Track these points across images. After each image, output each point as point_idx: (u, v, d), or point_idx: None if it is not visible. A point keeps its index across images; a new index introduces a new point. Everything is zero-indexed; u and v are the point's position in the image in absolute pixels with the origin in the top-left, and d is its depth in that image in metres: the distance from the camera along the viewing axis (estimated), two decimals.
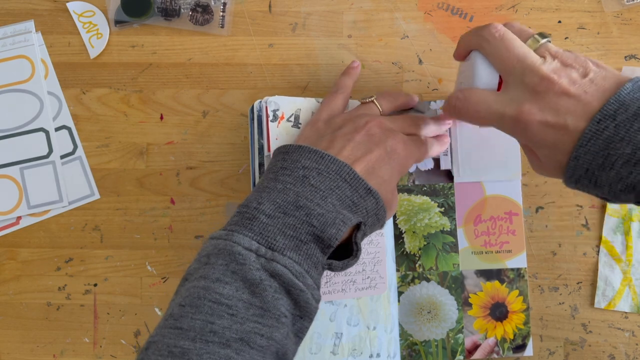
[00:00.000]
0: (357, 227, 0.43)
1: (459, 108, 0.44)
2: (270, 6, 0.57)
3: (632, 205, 0.53)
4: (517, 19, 0.56)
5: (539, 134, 0.40)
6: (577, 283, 0.55)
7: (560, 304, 0.55)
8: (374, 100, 0.50)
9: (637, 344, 0.55)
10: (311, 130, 0.47)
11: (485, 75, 0.43)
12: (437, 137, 0.52)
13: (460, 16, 0.57)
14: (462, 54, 0.46)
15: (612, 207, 0.54)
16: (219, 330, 0.36)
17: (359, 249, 0.42)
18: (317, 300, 0.41)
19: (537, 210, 0.55)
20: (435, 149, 0.51)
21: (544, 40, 0.42)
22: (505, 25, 0.43)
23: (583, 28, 0.56)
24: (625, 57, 0.56)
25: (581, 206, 0.55)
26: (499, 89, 0.43)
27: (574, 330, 0.55)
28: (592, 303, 0.55)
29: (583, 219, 0.55)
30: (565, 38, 0.56)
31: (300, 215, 0.40)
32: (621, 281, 0.54)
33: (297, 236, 0.40)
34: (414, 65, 0.56)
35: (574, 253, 0.55)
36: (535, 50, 0.42)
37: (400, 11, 0.57)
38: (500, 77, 0.43)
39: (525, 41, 0.42)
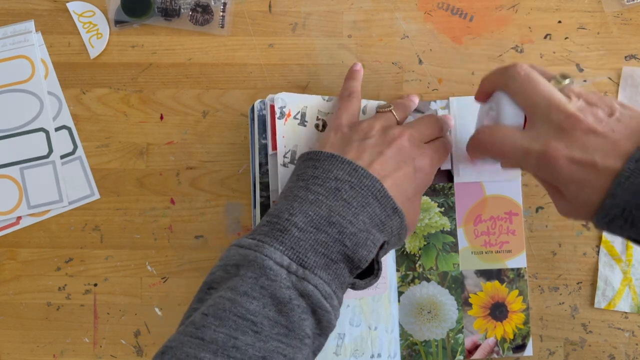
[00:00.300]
0: (381, 246, 0.42)
1: (484, 142, 0.44)
2: (270, 6, 0.57)
3: None
4: (517, 19, 0.56)
5: (566, 170, 0.39)
6: (577, 283, 0.55)
7: (560, 304, 0.55)
8: (392, 111, 0.49)
9: (637, 344, 0.55)
10: (336, 136, 0.46)
11: (511, 114, 0.43)
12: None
13: (460, 16, 0.57)
14: (485, 95, 0.46)
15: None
16: (242, 346, 0.36)
17: (380, 268, 0.42)
18: (337, 318, 0.40)
19: (537, 210, 0.55)
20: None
21: (567, 82, 0.42)
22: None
23: (583, 28, 0.56)
24: (626, 57, 0.56)
25: None
26: (524, 128, 0.43)
27: (574, 330, 0.55)
28: (592, 303, 0.55)
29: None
30: (565, 38, 0.56)
31: (333, 233, 0.39)
32: (621, 281, 0.54)
33: (329, 254, 0.39)
34: (414, 65, 0.56)
35: (574, 253, 0.55)
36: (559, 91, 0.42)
37: (400, 11, 0.57)
38: (525, 116, 0.43)
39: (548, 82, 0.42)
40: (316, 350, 0.40)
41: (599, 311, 0.55)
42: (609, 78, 0.56)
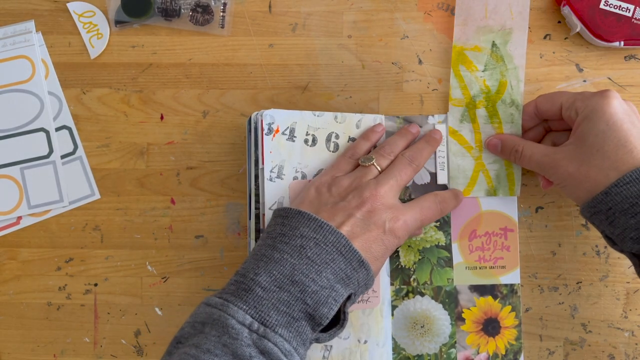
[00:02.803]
0: (348, 297, 0.44)
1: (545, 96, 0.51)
2: (270, 6, 0.57)
3: (476, 92, 0.54)
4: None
5: (618, 112, 0.45)
6: (577, 283, 0.55)
7: (560, 303, 0.55)
8: (374, 164, 0.50)
9: (636, 344, 0.55)
10: (314, 195, 0.48)
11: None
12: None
13: None
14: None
15: (455, 97, 0.55)
16: None
17: (345, 319, 0.44)
18: None
19: (537, 210, 0.55)
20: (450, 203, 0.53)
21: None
22: None
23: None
24: (625, 57, 0.56)
25: None
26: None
27: (574, 330, 0.55)
28: (593, 303, 0.55)
29: (583, 219, 0.55)
30: (565, 38, 0.56)
31: (295, 292, 0.41)
32: (474, 168, 0.54)
33: (290, 313, 0.41)
34: (414, 65, 0.56)
35: (573, 253, 0.55)
36: None
37: (400, 11, 0.57)
38: None
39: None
40: None
41: (599, 311, 0.55)
42: (609, 78, 0.56)
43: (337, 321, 0.44)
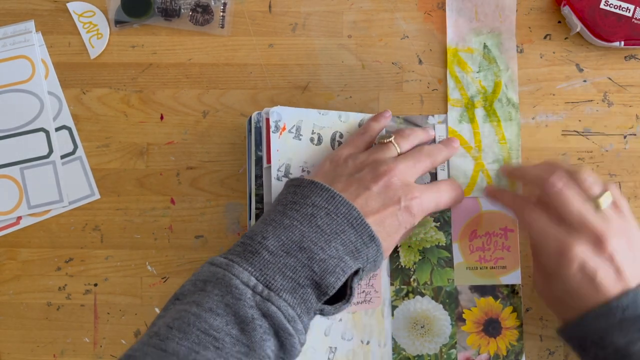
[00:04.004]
0: (355, 272, 0.43)
1: (519, 215, 0.49)
2: (270, 6, 0.57)
3: (473, 93, 0.55)
4: (517, 18, 0.56)
5: (572, 271, 0.44)
6: None
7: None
8: (392, 141, 0.48)
9: None
10: (330, 166, 0.47)
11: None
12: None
13: None
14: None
15: (453, 98, 0.55)
16: None
17: (352, 295, 0.43)
18: (302, 344, 0.41)
19: None
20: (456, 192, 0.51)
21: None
22: (573, 174, 0.47)
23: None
24: (625, 57, 0.56)
25: None
26: None
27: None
28: None
29: None
30: (565, 38, 0.56)
31: (302, 258, 0.40)
32: (474, 168, 0.54)
33: (296, 279, 0.40)
34: (414, 65, 0.56)
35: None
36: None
37: (400, 11, 0.57)
38: None
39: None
40: None
41: None
42: (609, 78, 0.56)
43: (343, 297, 0.43)
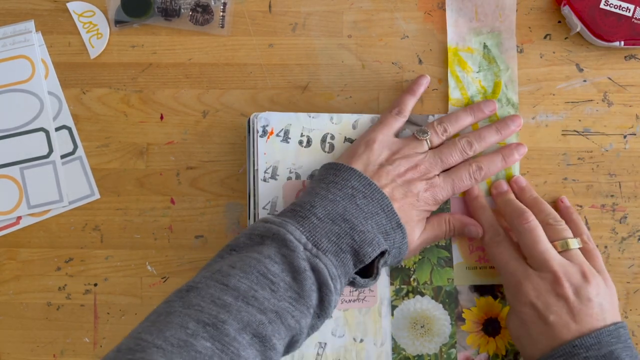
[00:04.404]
0: (382, 254, 0.47)
1: (490, 238, 0.52)
2: (270, 6, 0.57)
3: (473, 92, 0.55)
4: (517, 19, 0.56)
5: (526, 309, 0.48)
6: None
7: None
8: (427, 140, 0.51)
9: (637, 344, 0.55)
10: (364, 152, 0.50)
11: None
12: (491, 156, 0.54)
13: None
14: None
15: (454, 97, 0.55)
16: (259, 297, 0.40)
17: (378, 274, 0.47)
18: (335, 306, 0.45)
19: None
20: (490, 171, 0.53)
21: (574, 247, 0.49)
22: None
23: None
24: (625, 57, 0.56)
25: (581, 206, 0.55)
26: None
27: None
28: None
29: (583, 218, 0.55)
30: (565, 38, 0.56)
31: (345, 227, 0.45)
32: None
33: (339, 244, 0.44)
34: (414, 65, 0.56)
35: None
36: (560, 252, 0.49)
37: (400, 11, 0.57)
38: None
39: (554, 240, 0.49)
40: (311, 329, 0.44)
41: None
42: (609, 78, 0.56)
43: (370, 276, 0.47)
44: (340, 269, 0.44)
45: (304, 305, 0.42)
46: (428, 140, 0.51)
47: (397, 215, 0.47)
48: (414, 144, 0.51)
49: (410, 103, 0.53)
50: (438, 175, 0.51)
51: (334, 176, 0.48)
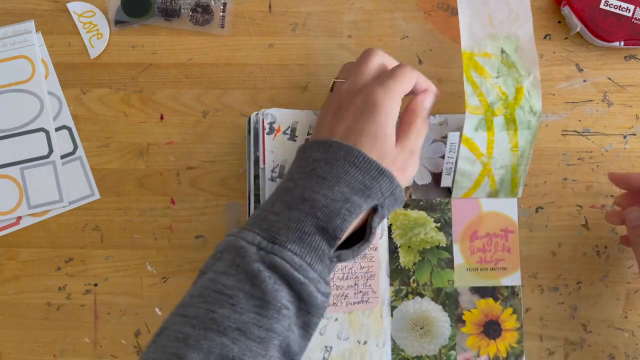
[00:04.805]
0: (375, 210, 0.43)
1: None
2: (270, 6, 0.57)
3: (493, 99, 0.51)
4: None
5: None
6: (577, 283, 0.55)
7: (560, 304, 0.55)
8: (341, 79, 0.47)
9: (637, 344, 0.55)
10: (323, 114, 0.47)
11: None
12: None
13: None
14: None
15: (472, 104, 0.51)
16: (218, 318, 0.38)
17: (371, 233, 0.42)
18: (325, 294, 0.41)
19: (537, 210, 0.55)
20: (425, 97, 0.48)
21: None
22: None
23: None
24: (625, 57, 0.56)
25: (581, 206, 0.55)
26: None
27: (574, 330, 0.55)
28: (593, 303, 0.55)
29: (583, 219, 0.55)
30: (565, 38, 0.56)
31: (305, 208, 0.41)
32: (480, 172, 0.53)
33: (301, 228, 0.40)
34: (414, 65, 0.56)
35: (574, 253, 0.55)
36: None
37: (400, 11, 0.57)
38: None
39: None
40: (304, 326, 0.41)
41: (599, 311, 0.55)
42: (609, 78, 0.56)
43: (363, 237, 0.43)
44: (309, 255, 0.40)
45: (272, 309, 0.39)
46: (341, 78, 0.47)
47: (372, 162, 0.42)
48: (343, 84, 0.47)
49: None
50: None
51: (299, 160, 0.45)
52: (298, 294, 0.40)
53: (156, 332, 0.40)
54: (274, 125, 0.51)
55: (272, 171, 0.51)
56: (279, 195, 0.43)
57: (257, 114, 0.51)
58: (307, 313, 0.41)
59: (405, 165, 0.45)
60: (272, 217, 0.41)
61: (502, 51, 0.52)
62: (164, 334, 0.39)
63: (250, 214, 0.52)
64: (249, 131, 0.52)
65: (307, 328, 0.41)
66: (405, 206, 0.54)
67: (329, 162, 0.42)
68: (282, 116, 0.51)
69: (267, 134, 0.51)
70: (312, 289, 0.40)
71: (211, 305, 0.39)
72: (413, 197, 0.54)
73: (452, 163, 0.53)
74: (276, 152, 0.51)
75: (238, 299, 0.39)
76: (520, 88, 0.52)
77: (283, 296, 0.39)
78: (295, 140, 0.51)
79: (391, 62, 0.48)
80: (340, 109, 0.45)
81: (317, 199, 0.41)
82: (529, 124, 0.52)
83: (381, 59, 0.47)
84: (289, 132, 0.51)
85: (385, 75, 0.45)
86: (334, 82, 0.49)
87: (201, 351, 0.37)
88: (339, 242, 0.41)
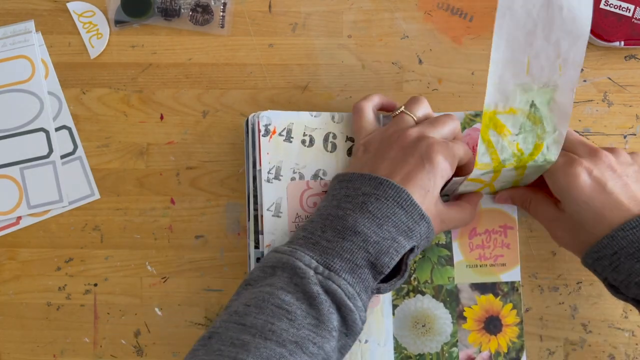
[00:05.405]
0: (411, 250, 0.45)
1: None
2: (270, 6, 0.57)
3: (507, 156, 0.46)
4: None
5: (585, 190, 0.45)
6: (577, 283, 0.55)
7: (560, 304, 0.55)
8: (404, 110, 0.49)
9: (637, 344, 0.55)
10: (354, 161, 0.49)
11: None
12: None
13: (460, 16, 0.57)
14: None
15: (482, 162, 0.46)
16: (277, 330, 0.40)
17: (407, 270, 0.45)
18: (363, 322, 0.44)
19: None
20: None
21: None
22: None
23: None
24: (625, 57, 0.56)
25: None
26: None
27: (574, 330, 0.55)
28: (593, 303, 0.55)
29: None
30: None
31: (358, 241, 0.43)
32: (479, 188, 0.52)
33: (353, 260, 0.43)
34: (414, 65, 0.56)
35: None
36: None
37: (400, 11, 0.57)
38: None
39: None
40: (342, 349, 0.44)
41: (598, 311, 0.55)
42: (609, 78, 0.56)
43: (398, 273, 0.46)
44: (358, 285, 0.43)
45: (325, 329, 0.42)
46: (407, 112, 0.49)
47: (417, 206, 0.44)
48: (395, 121, 0.49)
49: (367, 103, 0.51)
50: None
51: (345, 189, 0.46)
52: (345, 319, 0.43)
53: (206, 335, 0.42)
54: (269, 127, 0.51)
55: (269, 172, 0.51)
56: (329, 222, 0.45)
57: (254, 116, 0.52)
58: (346, 337, 0.43)
59: (438, 219, 0.48)
60: (325, 243, 0.44)
61: (532, 104, 0.45)
62: (216, 338, 0.41)
63: (250, 214, 0.52)
64: (247, 132, 0.52)
65: (343, 350, 0.44)
66: None
67: (379, 199, 0.44)
68: (277, 118, 0.52)
69: (263, 136, 0.51)
70: (357, 317, 0.43)
71: (270, 317, 0.41)
72: None
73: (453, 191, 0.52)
74: (272, 154, 0.51)
75: (296, 315, 0.41)
76: (540, 145, 0.46)
77: (334, 319, 0.42)
78: (291, 142, 0.52)
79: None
80: (394, 149, 0.47)
81: (369, 234, 0.43)
82: (540, 169, 0.48)
83: (456, 125, 0.50)
84: (284, 133, 0.52)
85: (453, 137, 0.49)
86: (401, 111, 0.49)
87: (261, 357, 0.39)
88: (382, 276, 0.44)
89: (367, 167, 0.47)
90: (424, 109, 0.50)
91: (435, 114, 0.51)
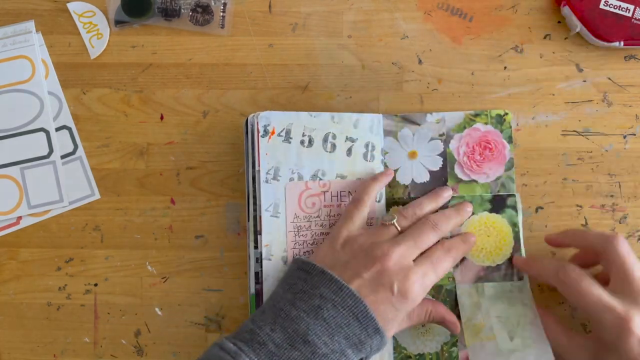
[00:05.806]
0: None
1: (567, 283, 0.46)
2: (270, 6, 0.57)
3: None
4: (517, 19, 0.56)
5: (635, 346, 0.42)
6: None
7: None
8: (395, 224, 0.49)
9: None
10: (328, 250, 0.48)
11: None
12: (461, 236, 0.52)
13: (460, 16, 0.57)
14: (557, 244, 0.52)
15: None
16: None
17: None
18: None
19: (537, 210, 0.55)
20: (460, 252, 0.50)
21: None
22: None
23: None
24: (625, 57, 0.56)
25: (581, 206, 0.55)
26: None
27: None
28: None
29: (583, 219, 0.55)
30: (565, 38, 0.56)
31: (306, 352, 0.42)
32: None
33: None
34: (414, 65, 0.56)
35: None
36: None
37: (400, 11, 0.57)
38: None
39: None
40: None
41: None
42: (609, 78, 0.56)
43: None
44: None
45: None
46: (396, 224, 0.49)
47: (374, 320, 0.43)
48: (380, 231, 0.48)
49: (373, 190, 0.51)
50: (414, 260, 0.47)
51: (303, 282, 0.45)
52: None
53: None
54: (268, 127, 0.51)
55: (267, 173, 0.51)
56: (280, 320, 0.43)
57: (253, 116, 0.52)
58: None
59: (394, 327, 0.47)
60: (272, 347, 0.42)
61: None
62: None
63: (250, 215, 0.52)
64: (247, 133, 0.53)
65: None
66: (405, 205, 0.54)
67: (336, 307, 0.43)
68: (276, 118, 0.52)
69: (262, 136, 0.51)
70: None
71: None
72: (412, 195, 0.54)
73: None
74: (271, 154, 0.51)
75: None
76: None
77: None
78: (290, 143, 0.52)
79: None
80: (370, 270, 0.45)
81: (319, 345, 0.42)
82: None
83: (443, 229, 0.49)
84: (283, 134, 0.52)
85: (430, 265, 0.47)
86: (394, 223, 0.49)
87: None
88: None
89: (336, 269, 0.46)
90: (415, 218, 0.50)
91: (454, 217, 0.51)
